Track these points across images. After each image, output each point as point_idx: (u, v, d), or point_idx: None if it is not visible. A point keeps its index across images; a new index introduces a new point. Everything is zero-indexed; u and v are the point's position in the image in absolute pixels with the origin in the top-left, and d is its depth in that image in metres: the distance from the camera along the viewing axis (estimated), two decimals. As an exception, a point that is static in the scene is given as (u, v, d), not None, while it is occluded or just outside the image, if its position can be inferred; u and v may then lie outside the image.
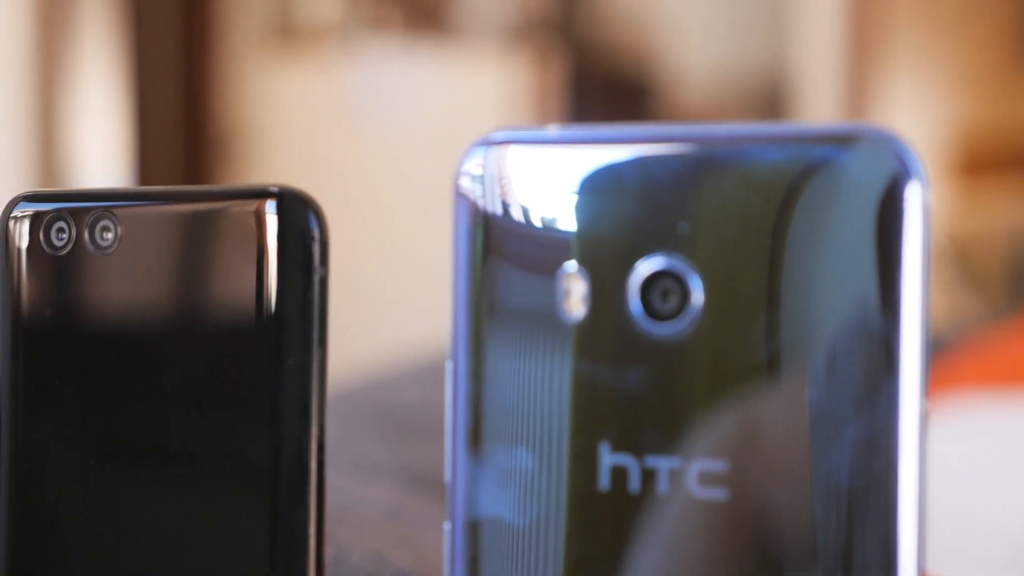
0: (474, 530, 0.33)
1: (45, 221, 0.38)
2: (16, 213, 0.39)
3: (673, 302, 0.31)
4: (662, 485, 0.31)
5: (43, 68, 1.84)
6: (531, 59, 3.24)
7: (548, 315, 0.32)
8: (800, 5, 3.06)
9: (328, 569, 0.36)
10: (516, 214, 0.33)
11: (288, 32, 3.36)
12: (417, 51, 3.26)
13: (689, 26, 3.60)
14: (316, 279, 0.35)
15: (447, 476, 0.33)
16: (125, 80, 2.75)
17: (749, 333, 0.31)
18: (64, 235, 0.38)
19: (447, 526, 0.33)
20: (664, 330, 0.31)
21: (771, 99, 3.33)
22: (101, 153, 2.52)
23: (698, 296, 0.31)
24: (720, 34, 3.56)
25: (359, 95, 3.19)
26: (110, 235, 0.37)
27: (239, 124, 3.28)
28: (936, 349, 1.16)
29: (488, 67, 3.21)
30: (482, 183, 0.33)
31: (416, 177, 3.14)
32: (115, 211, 0.37)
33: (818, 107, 2.94)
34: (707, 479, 0.31)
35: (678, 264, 0.31)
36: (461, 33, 3.32)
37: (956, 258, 3.08)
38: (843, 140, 0.30)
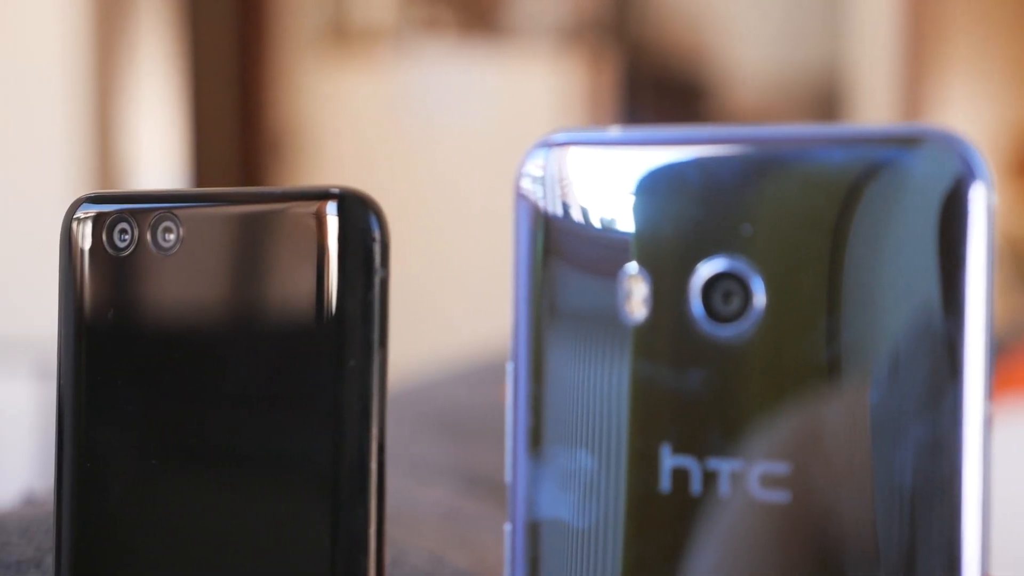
0: (534, 531, 0.33)
1: (108, 222, 0.38)
2: (79, 214, 0.39)
3: (735, 304, 0.31)
4: (724, 487, 0.31)
5: (100, 70, 1.86)
6: (584, 60, 3.24)
7: (609, 316, 0.32)
8: (855, 5, 3.05)
9: (387, 570, 0.36)
10: (577, 215, 0.33)
11: (342, 34, 3.37)
12: (470, 53, 3.27)
13: (743, 26, 3.58)
14: (377, 280, 0.35)
15: (507, 477, 0.33)
16: (181, 81, 2.77)
17: (811, 335, 0.30)
18: (127, 236, 0.38)
19: (507, 527, 0.33)
20: (726, 332, 0.31)
21: (826, 100, 3.32)
22: (157, 154, 2.54)
23: (760, 298, 0.31)
24: (774, 34, 3.55)
25: (412, 96, 3.20)
26: (172, 236, 0.37)
27: (293, 125, 3.30)
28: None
29: (541, 68, 3.21)
30: (543, 184, 0.33)
31: (469, 178, 3.14)
32: (177, 212, 0.37)
33: (873, 108, 2.93)
34: (769, 481, 0.31)
35: (740, 266, 0.31)
36: (514, 34, 3.33)
37: (1011, 260, 3.06)
38: (907, 141, 0.30)
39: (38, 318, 1.80)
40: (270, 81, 3.34)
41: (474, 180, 3.14)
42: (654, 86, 3.46)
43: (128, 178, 2.03)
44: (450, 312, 3.03)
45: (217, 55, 3.19)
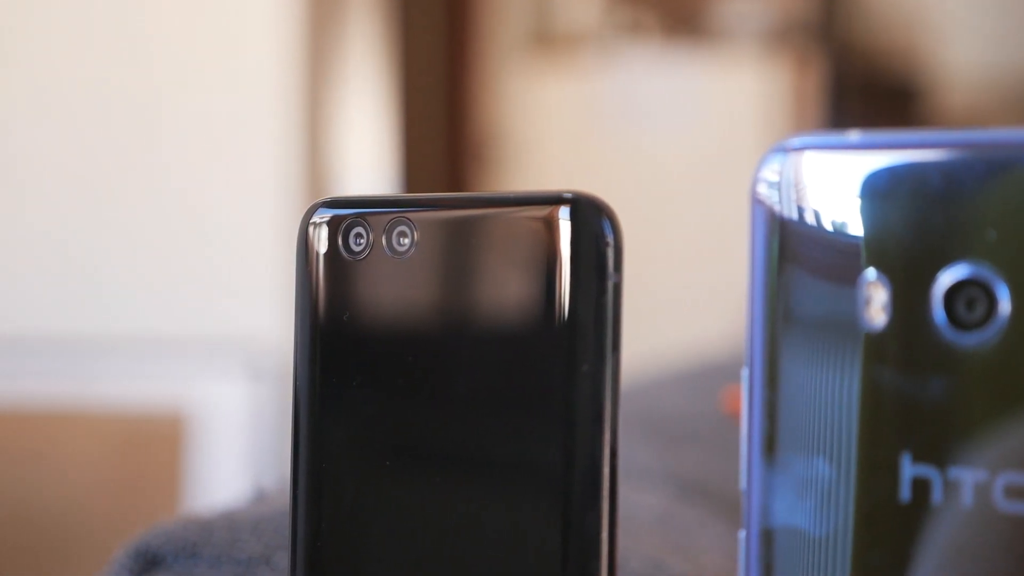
0: (769, 539, 0.33)
1: (343, 227, 0.39)
2: (315, 219, 0.40)
3: (979, 311, 0.30)
4: (966, 498, 0.30)
5: (312, 75, 1.89)
6: (790, 63, 3.20)
7: (847, 323, 0.32)
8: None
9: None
10: (814, 221, 0.32)
11: (546, 39, 3.39)
12: (674, 56, 3.25)
13: (955, 25, 3.51)
14: (610, 285, 0.35)
15: (742, 484, 0.33)
16: (390, 87, 2.81)
17: (1058, 343, 0.30)
18: (362, 240, 0.39)
19: (741, 534, 0.33)
20: (969, 340, 0.30)
21: (1042, 101, 3.23)
22: (366, 158, 2.58)
23: (1005, 305, 0.30)
24: (988, 33, 3.46)
25: (616, 101, 3.20)
26: (407, 240, 0.38)
27: (498, 130, 3.32)
28: None
29: (746, 71, 3.18)
30: (779, 190, 0.33)
31: (674, 181, 3.13)
32: (411, 216, 0.38)
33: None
34: (1014, 492, 0.30)
35: (984, 272, 0.30)
36: (718, 37, 3.30)
37: None
38: None
39: (248, 319, 1.85)
40: (475, 86, 3.37)
41: (679, 183, 3.13)
42: (862, 88, 3.41)
43: (338, 182, 2.07)
44: (656, 316, 3.02)
45: (424, 61, 3.23)
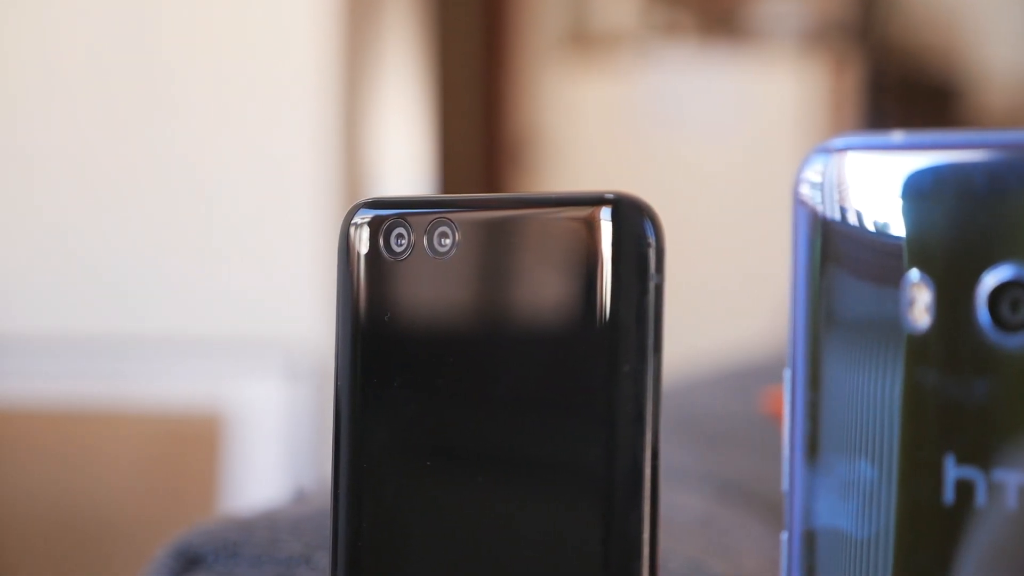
0: (811, 540, 0.33)
1: (385, 227, 0.39)
2: (357, 219, 0.40)
3: (1023, 313, 0.30)
4: (1010, 500, 0.30)
5: (349, 76, 1.90)
6: (828, 63, 3.19)
7: (890, 324, 0.31)
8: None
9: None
10: (857, 222, 0.32)
11: (583, 39, 3.39)
12: (711, 56, 3.25)
13: (994, 24, 3.49)
14: (652, 286, 0.35)
15: (784, 485, 0.33)
16: (426, 87, 2.81)
17: (1103, 345, 0.29)
18: (403, 241, 0.39)
19: (783, 536, 0.33)
20: (1014, 341, 0.30)
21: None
22: (403, 159, 2.58)
23: (1050, 307, 0.30)
24: (1026, 34, 3.44)
25: (654, 101, 3.19)
26: (448, 241, 0.38)
27: (534, 131, 3.32)
28: None
29: (783, 72, 3.17)
30: (822, 190, 0.33)
31: (712, 182, 3.12)
32: (452, 217, 0.38)
33: None
34: (1058, 495, 0.30)
35: (1029, 273, 0.30)
36: (755, 38, 3.30)
37: None
38: None
39: (287, 320, 1.85)
40: (512, 87, 3.37)
41: (717, 183, 3.12)
42: (900, 88, 3.39)
43: (374, 183, 2.07)
44: (696, 317, 3.02)
45: (461, 61, 3.24)
